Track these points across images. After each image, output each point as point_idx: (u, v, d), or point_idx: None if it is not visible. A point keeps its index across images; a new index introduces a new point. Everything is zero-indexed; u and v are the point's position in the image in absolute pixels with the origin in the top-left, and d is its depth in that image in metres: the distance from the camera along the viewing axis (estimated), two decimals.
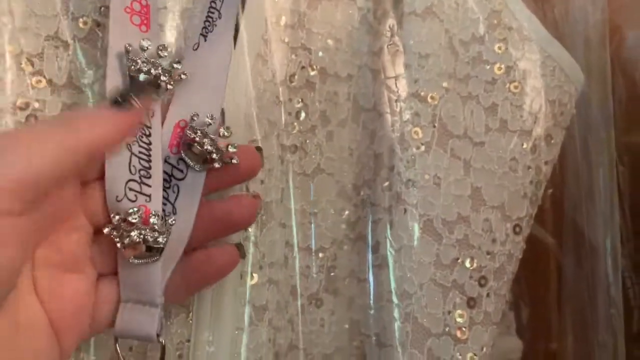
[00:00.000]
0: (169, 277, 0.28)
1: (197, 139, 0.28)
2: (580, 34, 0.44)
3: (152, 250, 0.27)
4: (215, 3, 0.31)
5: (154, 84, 0.28)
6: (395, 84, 0.38)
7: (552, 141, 0.39)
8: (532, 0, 0.41)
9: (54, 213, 0.24)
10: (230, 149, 0.28)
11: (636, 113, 0.49)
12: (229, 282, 0.32)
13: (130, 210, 0.26)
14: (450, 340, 0.35)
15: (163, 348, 0.27)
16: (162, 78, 0.28)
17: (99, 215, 0.27)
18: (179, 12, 0.32)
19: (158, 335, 0.27)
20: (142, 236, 0.26)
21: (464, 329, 0.35)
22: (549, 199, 0.48)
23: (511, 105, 0.38)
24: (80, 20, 0.31)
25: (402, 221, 0.36)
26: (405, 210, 0.36)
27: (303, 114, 0.36)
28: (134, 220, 0.26)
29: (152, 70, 0.28)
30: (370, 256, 0.38)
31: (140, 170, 0.27)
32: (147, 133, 0.28)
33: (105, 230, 0.26)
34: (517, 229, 0.37)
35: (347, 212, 0.38)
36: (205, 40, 0.30)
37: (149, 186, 0.27)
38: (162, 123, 0.29)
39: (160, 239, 0.26)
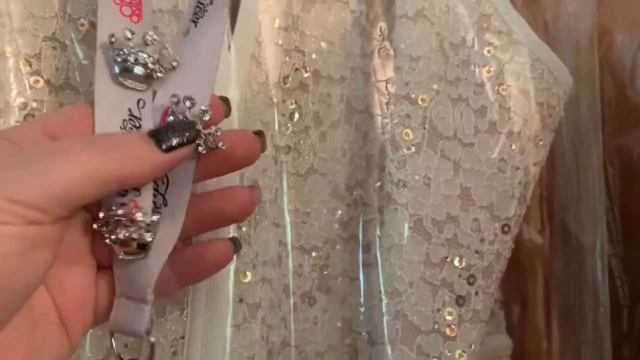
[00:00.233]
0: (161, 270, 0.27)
1: None
2: (570, 38, 0.44)
3: (140, 247, 0.26)
4: None
5: (143, 73, 0.27)
6: (386, 86, 0.38)
7: (541, 143, 0.40)
8: (522, 4, 0.42)
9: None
10: (215, 134, 0.27)
11: (624, 115, 0.50)
12: (223, 280, 0.32)
13: (114, 207, 0.25)
14: (439, 338, 0.36)
15: (152, 345, 0.27)
16: (150, 66, 0.27)
17: (97, 207, 0.26)
18: None
19: (148, 333, 0.27)
20: (128, 234, 0.25)
21: (452, 326, 0.36)
22: (538, 199, 0.48)
23: (500, 107, 0.38)
24: (78, 21, 0.31)
25: (393, 220, 0.36)
26: (396, 210, 0.36)
27: (297, 115, 0.37)
28: (119, 218, 0.25)
29: (139, 59, 0.27)
30: (361, 255, 0.38)
31: None
32: (137, 125, 0.27)
33: (94, 226, 0.26)
34: (506, 229, 0.38)
35: (339, 212, 0.38)
36: (196, 26, 0.29)
37: None
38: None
39: (146, 236, 0.26)
